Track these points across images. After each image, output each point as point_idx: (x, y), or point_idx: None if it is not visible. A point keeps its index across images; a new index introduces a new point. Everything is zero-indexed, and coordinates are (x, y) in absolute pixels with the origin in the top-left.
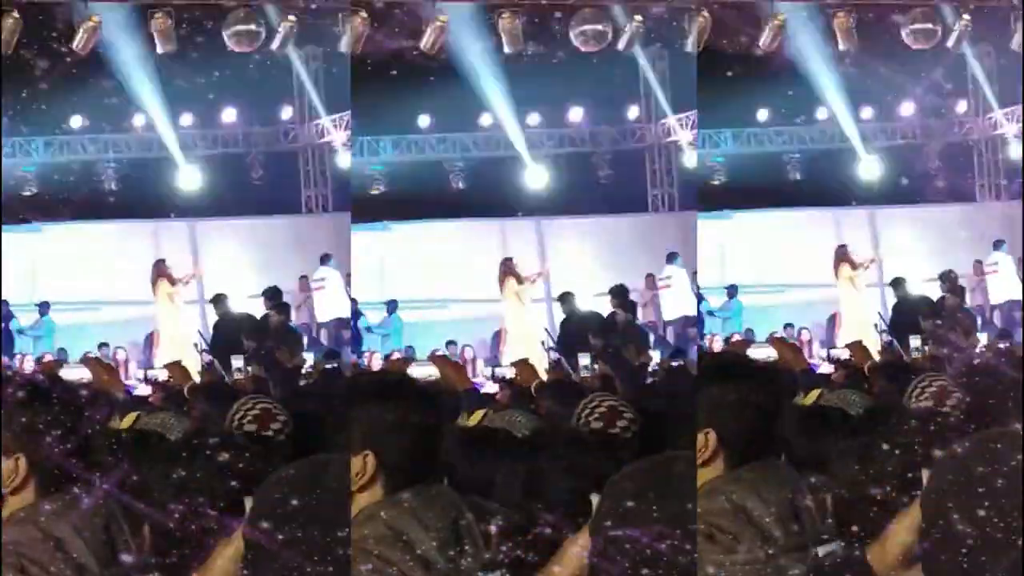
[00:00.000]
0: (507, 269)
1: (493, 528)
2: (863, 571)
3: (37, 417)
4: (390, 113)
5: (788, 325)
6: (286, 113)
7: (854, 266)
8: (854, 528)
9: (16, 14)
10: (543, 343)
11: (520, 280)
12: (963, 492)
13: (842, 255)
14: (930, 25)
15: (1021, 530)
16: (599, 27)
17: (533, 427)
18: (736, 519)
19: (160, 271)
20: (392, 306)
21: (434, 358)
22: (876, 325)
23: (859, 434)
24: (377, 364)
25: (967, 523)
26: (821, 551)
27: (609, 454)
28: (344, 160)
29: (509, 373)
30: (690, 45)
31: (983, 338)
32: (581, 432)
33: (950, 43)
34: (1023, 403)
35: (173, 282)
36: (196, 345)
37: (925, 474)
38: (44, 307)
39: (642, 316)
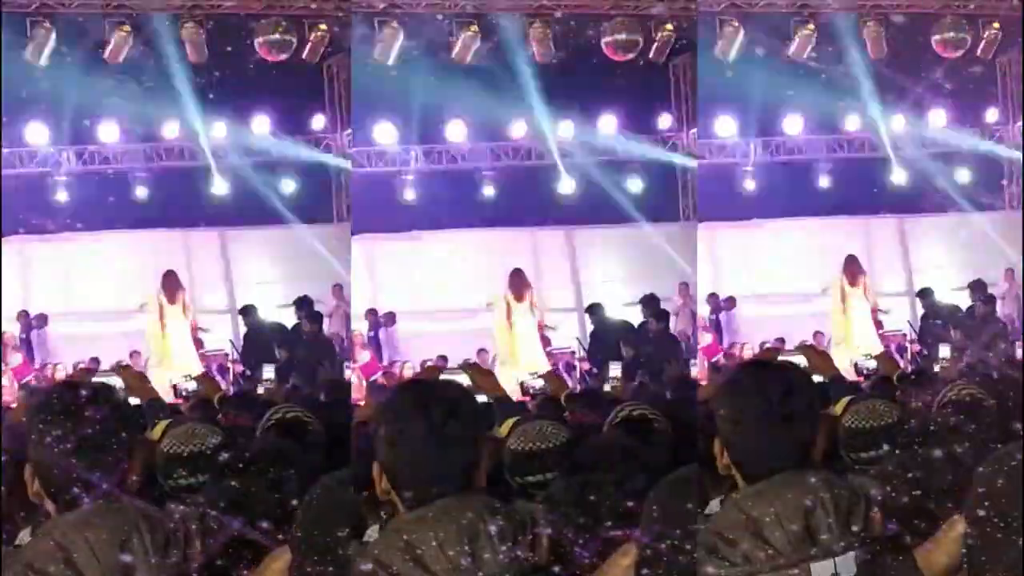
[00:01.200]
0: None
1: (544, 536)
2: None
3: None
4: (421, 121)
5: (818, 333)
6: (318, 122)
7: (854, 282)
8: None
9: (48, 24)
10: (574, 352)
11: (520, 298)
12: (1012, 501)
13: (849, 266)
14: (961, 34)
15: (1021, 530)
16: (630, 36)
17: (564, 438)
18: (747, 532)
19: (169, 283)
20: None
21: (466, 366)
22: (906, 335)
23: (890, 443)
24: (408, 373)
25: (1016, 532)
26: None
27: (641, 463)
28: (373, 168)
29: (537, 384)
30: (721, 53)
31: (1017, 347)
32: (613, 441)
33: (979, 51)
34: (1023, 403)
35: (174, 300)
36: (228, 355)
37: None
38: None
39: (674, 325)
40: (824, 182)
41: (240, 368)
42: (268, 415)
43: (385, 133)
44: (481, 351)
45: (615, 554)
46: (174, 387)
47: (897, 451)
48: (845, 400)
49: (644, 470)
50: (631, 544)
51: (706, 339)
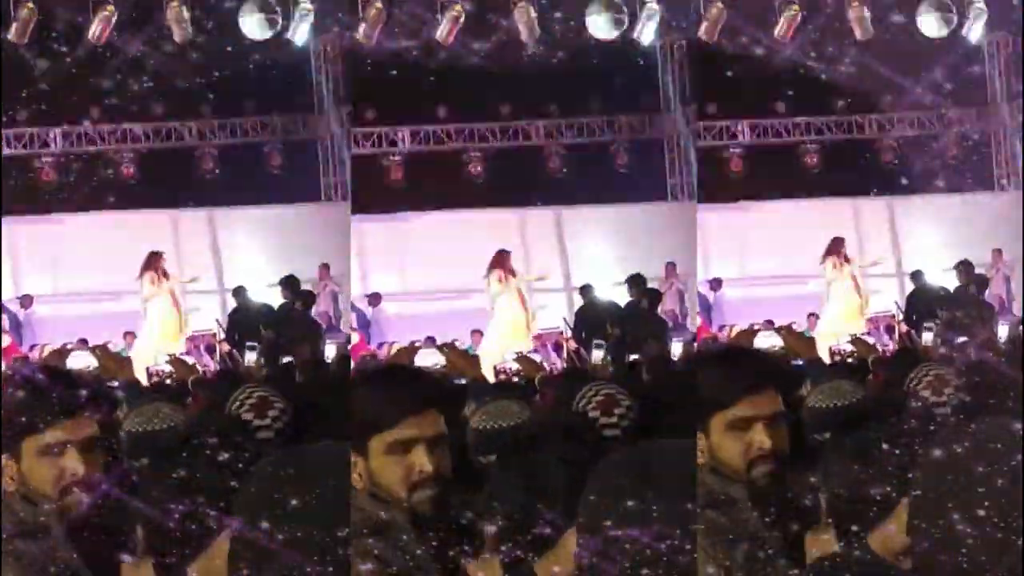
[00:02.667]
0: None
1: (491, 528)
2: (867, 564)
3: (34, 413)
4: (408, 102)
5: (812, 315)
6: (305, 101)
7: (845, 261)
8: (853, 528)
9: (31, 4)
10: (562, 332)
11: (513, 274)
12: (962, 492)
13: (834, 248)
14: (947, 13)
15: (1021, 530)
16: (615, 15)
17: (527, 416)
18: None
19: (152, 264)
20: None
21: (442, 348)
22: (895, 316)
23: (852, 427)
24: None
25: (967, 523)
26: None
27: (605, 443)
28: (359, 149)
29: (514, 366)
30: (706, 33)
31: (1002, 328)
32: (575, 422)
33: (966, 31)
34: (1023, 403)
35: (166, 276)
36: (215, 335)
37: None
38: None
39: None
40: (812, 163)
41: (227, 348)
42: (233, 396)
43: (372, 113)
44: (475, 332)
45: (560, 542)
46: (146, 369)
47: (861, 437)
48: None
49: (592, 454)
50: (572, 532)
51: (696, 321)
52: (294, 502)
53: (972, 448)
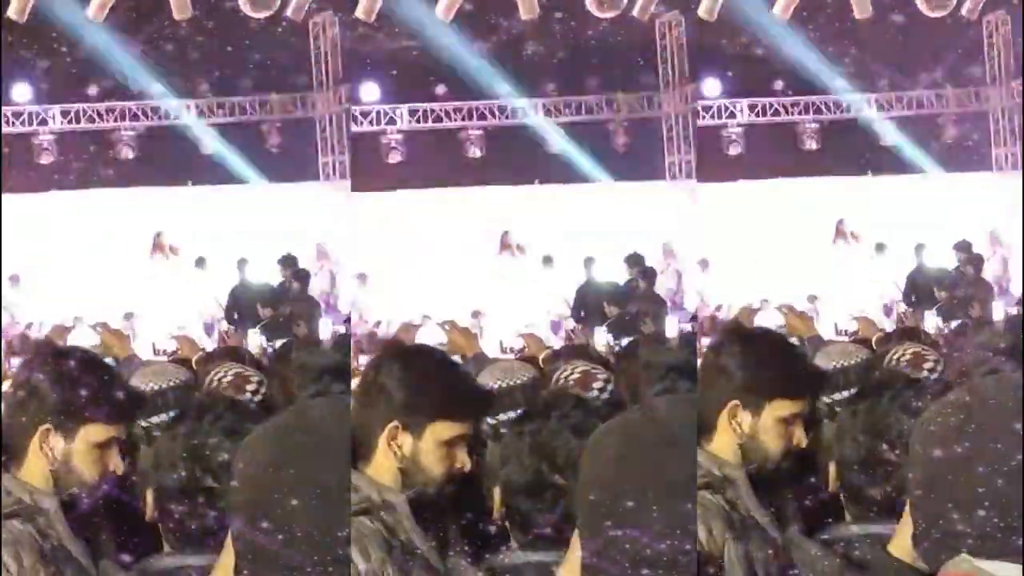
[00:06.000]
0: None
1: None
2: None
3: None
4: (407, 80)
5: (811, 297)
6: (303, 79)
7: (852, 239)
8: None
9: None
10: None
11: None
12: (1012, 499)
13: (840, 227)
14: None
15: (1021, 528)
16: None
17: (531, 375)
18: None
19: (158, 242)
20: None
21: (443, 325)
22: (894, 296)
23: (862, 383)
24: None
25: (967, 523)
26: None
27: (586, 416)
28: (359, 127)
29: (518, 343)
30: (705, 11)
31: (999, 308)
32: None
33: (965, 10)
34: (1023, 403)
35: (174, 252)
36: (214, 314)
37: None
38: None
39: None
40: (811, 143)
41: (226, 327)
42: (208, 376)
43: (370, 91)
44: (476, 313)
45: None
46: (153, 346)
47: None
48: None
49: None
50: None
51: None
52: (294, 502)
53: (973, 448)
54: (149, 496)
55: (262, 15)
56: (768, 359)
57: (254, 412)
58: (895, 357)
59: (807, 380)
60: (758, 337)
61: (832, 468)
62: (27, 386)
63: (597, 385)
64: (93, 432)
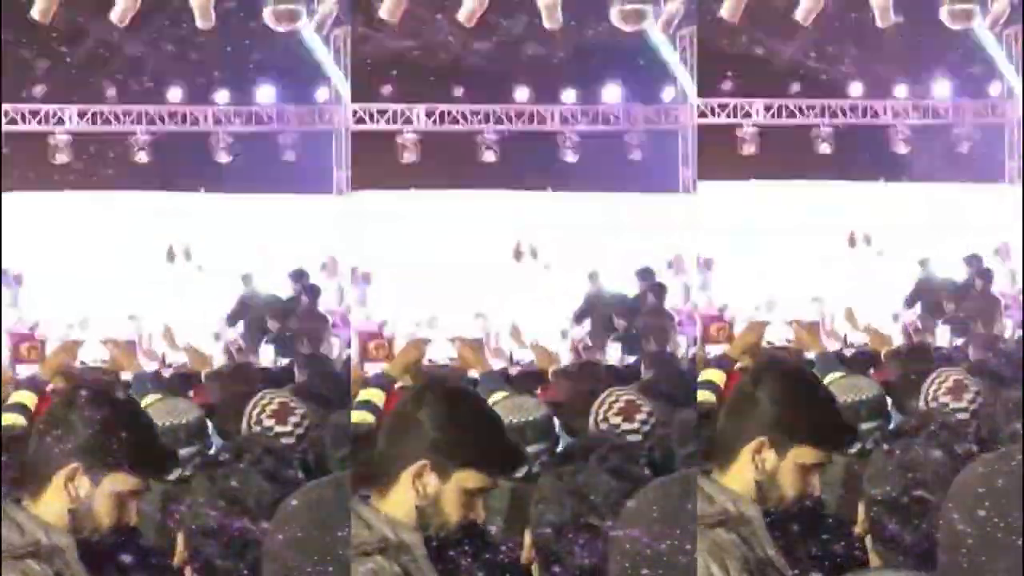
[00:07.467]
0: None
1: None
2: None
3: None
4: (422, 84)
5: (815, 300)
6: (322, 94)
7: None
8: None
9: None
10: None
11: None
12: (1012, 501)
13: (852, 234)
14: (968, 5)
15: (1021, 530)
16: (638, 6)
17: (541, 414)
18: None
19: (172, 252)
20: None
21: (454, 342)
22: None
23: (875, 418)
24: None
25: (967, 523)
26: None
27: (628, 455)
28: (373, 126)
29: (528, 356)
30: (728, 12)
31: (1008, 324)
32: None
33: (986, 24)
34: (1023, 403)
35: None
36: (224, 325)
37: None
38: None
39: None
40: (825, 147)
41: (232, 338)
42: (252, 402)
43: (386, 91)
44: (478, 316)
45: None
46: (163, 357)
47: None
48: (831, 376)
49: (631, 466)
50: None
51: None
52: (294, 502)
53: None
54: (180, 540)
55: (286, 27)
56: (805, 404)
57: (292, 459)
58: (931, 389)
59: (837, 432)
60: (797, 377)
61: (861, 508)
62: (64, 423)
63: (640, 417)
64: (120, 481)
